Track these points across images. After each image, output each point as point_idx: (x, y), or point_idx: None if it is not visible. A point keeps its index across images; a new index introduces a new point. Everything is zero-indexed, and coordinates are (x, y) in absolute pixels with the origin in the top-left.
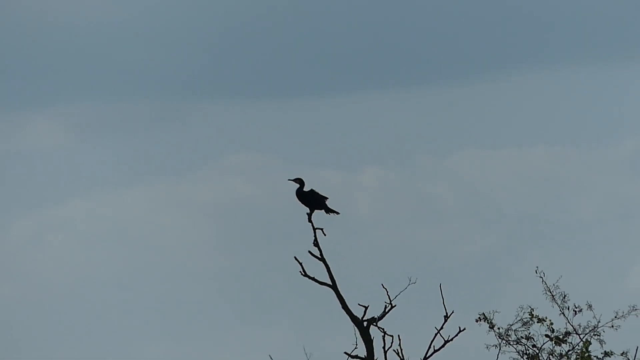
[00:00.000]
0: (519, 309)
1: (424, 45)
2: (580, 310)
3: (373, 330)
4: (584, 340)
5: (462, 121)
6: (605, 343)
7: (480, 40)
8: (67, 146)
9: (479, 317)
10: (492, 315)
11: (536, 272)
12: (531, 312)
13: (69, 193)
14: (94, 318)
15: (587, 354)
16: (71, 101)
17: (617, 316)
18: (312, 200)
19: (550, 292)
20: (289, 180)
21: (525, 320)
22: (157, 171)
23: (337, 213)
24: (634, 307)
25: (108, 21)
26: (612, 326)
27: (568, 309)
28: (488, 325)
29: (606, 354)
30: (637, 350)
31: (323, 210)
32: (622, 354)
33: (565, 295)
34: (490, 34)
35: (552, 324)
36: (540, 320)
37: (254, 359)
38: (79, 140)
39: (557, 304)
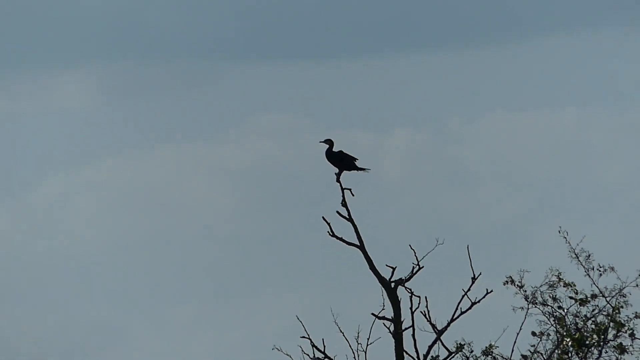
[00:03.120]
0: (549, 271)
1: (454, 8)
2: (605, 271)
3: (400, 291)
4: (613, 304)
5: (492, 83)
6: (631, 305)
7: (512, 2)
8: (97, 107)
9: (507, 281)
10: (522, 274)
11: (559, 232)
12: (559, 275)
13: (99, 153)
14: (122, 278)
15: (617, 316)
16: (102, 62)
17: None
18: (341, 161)
19: (575, 252)
20: (320, 142)
21: (552, 283)
22: (186, 132)
23: (368, 170)
24: None
25: None
26: (637, 285)
27: (593, 269)
28: (517, 287)
29: (637, 315)
30: None
31: (354, 170)
32: None
33: (589, 255)
34: None
35: (574, 285)
36: (566, 285)
37: (281, 320)
38: (109, 101)
39: (582, 264)
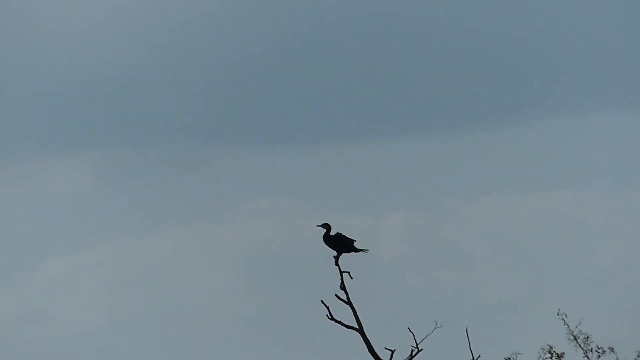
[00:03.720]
0: (541, 351)
1: (448, 93)
2: (604, 352)
3: None
4: None
5: (487, 166)
6: None
7: (504, 87)
8: (94, 191)
9: None
10: (515, 357)
11: (558, 314)
12: (550, 350)
13: (96, 237)
14: None
15: None
16: (98, 147)
17: None
18: (339, 243)
19: (573, 334)
20: (317, 226)
21: None
22: (184, 215)
23: (367, 250)
24: None
25: (133, 68)
26: None
27: (592, 350)
28: None
29: None
30: None
31: (353, 252)
32: None
33: (588, 337)
34: (512, 81)
35: (563, 355)
36: (559, 357)
37: None
38: (105, 185)
39: (581, 346)
